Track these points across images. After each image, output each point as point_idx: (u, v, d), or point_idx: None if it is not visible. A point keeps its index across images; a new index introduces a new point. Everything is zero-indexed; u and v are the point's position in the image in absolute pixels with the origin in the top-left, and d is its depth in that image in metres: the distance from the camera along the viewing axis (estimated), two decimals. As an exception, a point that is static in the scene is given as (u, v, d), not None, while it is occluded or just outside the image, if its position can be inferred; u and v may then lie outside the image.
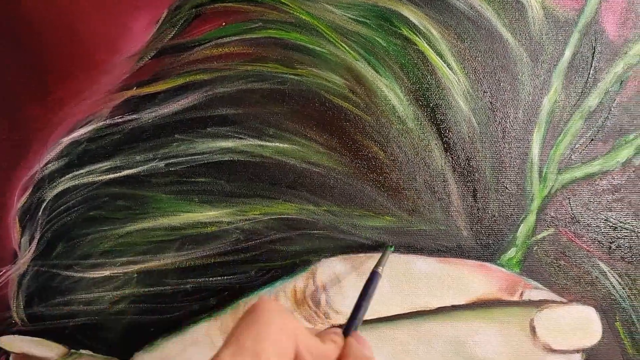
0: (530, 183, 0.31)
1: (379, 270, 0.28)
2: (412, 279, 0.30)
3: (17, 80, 0.33)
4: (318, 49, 0.32)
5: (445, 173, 0.31)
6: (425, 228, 0.31)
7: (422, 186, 0.31)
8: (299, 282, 0.31)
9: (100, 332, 0.32)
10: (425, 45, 0.32)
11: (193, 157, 0.32)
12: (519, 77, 0.32)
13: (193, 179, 0.32)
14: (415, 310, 0.30)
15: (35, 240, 0.33)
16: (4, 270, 0.33)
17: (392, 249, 0.31)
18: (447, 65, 0.31)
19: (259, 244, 0.32)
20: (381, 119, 0.31)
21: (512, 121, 0.31)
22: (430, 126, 0.31)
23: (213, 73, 0.32)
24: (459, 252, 0.31)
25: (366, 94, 0.32)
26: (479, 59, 0.32)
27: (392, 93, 0.31)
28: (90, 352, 0.33)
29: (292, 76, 0.32)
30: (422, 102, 0.31)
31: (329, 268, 0.31)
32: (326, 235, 0.31)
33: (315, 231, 0.32)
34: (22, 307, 0.33)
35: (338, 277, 0.30)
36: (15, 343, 0.33)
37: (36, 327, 0.33)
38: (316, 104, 0.32)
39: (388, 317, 0.30)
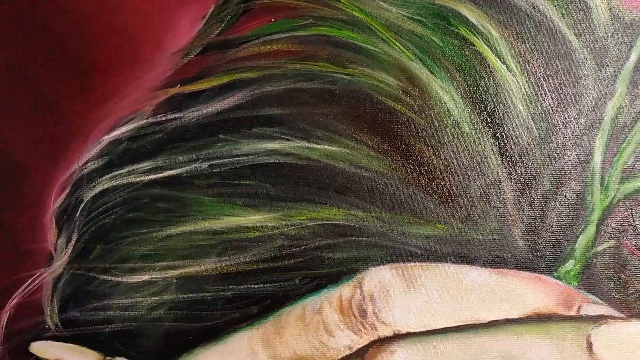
0: (590, 192, 0.31)
1: None
2: (464, 291, 0.30)
3: (58, 75, 0.34)
4: (371, 47, 0.32)
5: (501, 180, 0.32)
6: (479, 237, 0.32)
7: (476, 193, 0.32)
8: (345, 291, 0.30)
9: (136, 339, 0.33)
10: (484, 45, 0.32)
11: (237, 158, 0.32)
12: (582, 80, 0.32)
13: (237, 182, 0.32)
14: (466, 323, 0.30)
15: (72, 242, 0.33)
16: (38, 273, 0.34)
17: None
18: (506, 67, 0.32)
19: (304, 251, 0.32)
20: (435, 122, 0.32)
21: (574, 127, 0.31)
22: (487, 131, 0.32)
23: (260, 71, 0.33)
24: (513, 263, 0.31)
25: (420, 96, 0.32)
26: (540, 61, 0.32)
27: (448, 95, 0.32)
28: None
29: (342, 76, 0.32)
30: (478, 106, 0.32)
31: (376, 277, 0.31)
32: (375, 243, 0.32)
33: (363, 238, 0.32)
34: (56, 311, 0.34)
35: (386, 287, 0.31)
36: (48, 349, 0.33)
37: (70, 333, 0.33)
38: (367, 106, 0.32)
39: (437, 329, 0.29)
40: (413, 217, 0.32)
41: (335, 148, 0.32)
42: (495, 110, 0.31)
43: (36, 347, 0.33)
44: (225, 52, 0.33)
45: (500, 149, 0.32)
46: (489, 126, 0.31)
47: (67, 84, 0.33)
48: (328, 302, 0.30)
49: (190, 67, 0.33)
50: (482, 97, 0.32)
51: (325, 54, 0.32)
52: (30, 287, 0.34)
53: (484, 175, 0.31)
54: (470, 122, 0.32)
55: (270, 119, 0.32)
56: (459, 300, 0.30)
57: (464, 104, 0.32)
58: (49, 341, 0.33)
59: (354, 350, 0.29)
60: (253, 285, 0.32)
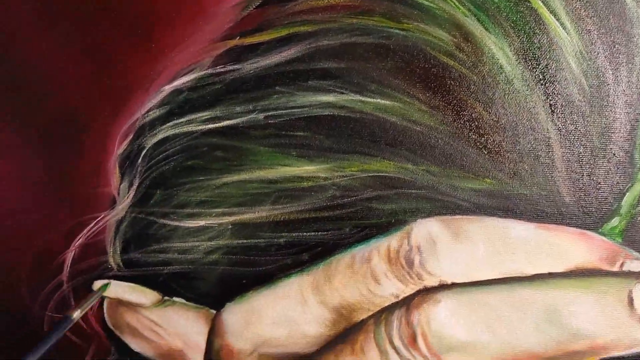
0: (639, 151, 0.33)
1: (74, 315, 0.30)
2: (509, 244, 0.31)
3: (121, 27, 0.36)
4: (426, 3, 0.34)
5: (550, 137, 0.33)
6: (526, 192, 0.34)
7: (525, 149, 0.33)
8: (393, 241, 0.32)
9: (193, 281, 0.36)
10: (539, 2, 0.33)
11: (292, 110, 0.35)
12: (635, 39, 0.33)
13: (291, 133, 0.35)
14: (510, 276, 0.31)
15: (134, 187, 0.36)
16: (102, 216, 0.37)
17: (105, 289, 0.33)
18: (560, 24, 0.33)
19: (355, 201, 0.34)
20: (487, 78, 0.34)
21: (625, 85, 0.33)
22: (538, 87, 0.33)
23: (317, 25, 0.35)
24: (559, 218, 0.33)
25: (473, 52, 0.34)
26: (594, 18, 0.33)
27: (501, 52, 0.34)
28: (183, 301, 0.35)
29: (397, 31, 0.34)
30: (531, 62, 0.33)
31: (424, 229, 0.32)
32: (424, 196, 0.34)
33: (412, 191, 0.34)
34: (118, 252, 0.37)
35: (433, 239, 0.32)
36: (109, 287, 0.36)
37: (131, 273, 0.36)
38: (421, 61, 0.34)
39: (481, 281, 0.31)
40: (462, 171, 0.34)
41: (388, 102, 0.34)
42: (547, 67, 0.33)
43: (99, 286, 0.36)
44: (284, 6, 0.35)
45: (550, 105, 0.33)
46: (540, 83, 0.33)
47: (130, 36, 0.36)
48: (377, 251, 0.32)
49: (249, 19, 0.35)
50: (535, 54, 0.33)
51: (381, 9, 0.34)
52: (94, 228, 0.37)
53: (534, 131, 0.33)
54: (522, 78, 0.33)
55: (326, 72, 0.34)
56: (504, 253, 0.31)
57: (516, 60, 0.33)
58: (111, 280, 0.36)
59: (399, 298, 0.31)
60: (305, 233, 0.35)
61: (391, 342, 0.30)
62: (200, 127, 0.35)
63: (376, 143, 0.34)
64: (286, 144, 0.35)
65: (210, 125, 0.35)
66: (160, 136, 0.36)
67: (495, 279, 0.31)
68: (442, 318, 0.29)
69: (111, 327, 0.36)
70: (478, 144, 0.33)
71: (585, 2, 0.33)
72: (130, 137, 0.36)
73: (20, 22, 0.37)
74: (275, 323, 0.33)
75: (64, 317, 0.31)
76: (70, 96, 0.38)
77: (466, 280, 0.31)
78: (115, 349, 0.37)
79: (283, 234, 0.35)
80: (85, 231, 0.37)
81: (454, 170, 0.34)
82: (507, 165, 0.33)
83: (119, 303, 0.36)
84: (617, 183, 0.33)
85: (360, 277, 0.32)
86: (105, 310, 0.36)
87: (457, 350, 0.29)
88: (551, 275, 0.31)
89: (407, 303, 0.30)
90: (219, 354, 0.34)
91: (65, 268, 0.37)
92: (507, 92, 0.33)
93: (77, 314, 0.33)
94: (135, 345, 0.36)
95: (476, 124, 0.34)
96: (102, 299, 0.37)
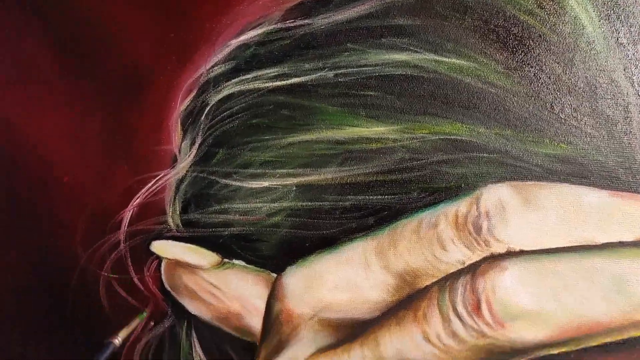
0: None
1: (116, 340, 0.34)
2: (581, 212, 0.34)
3: (189, -22, 0.41)
4: None
5: (629, 102, 0.35)
6: (601, 159, 0.36)
7: (602, 114, 0.36)
8: (461, 206, 0.35)
9: (254, 243, 0.38)
10: None
11: (364, 68, 0.37)
12: None
13: (362, 92, 0.37)
14: (579, 244, 0.34)
15: (196, 145, 0.39)
16: (162, 174, 0.43)
17: (143, 317, 0.37)
18: (648, -16, 0.34)
19: (424, 165, 0.37)
20: (568, 38, 0.36)
21: None
22: (620, 50, 0.35)
23: None
24: (634, 186, 0.35)
25: (555, 11, 0.36)
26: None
27: (584, 12, 0.36)
28: (243, 263, 0.39)
29: None
30: (614, 24, 0.35)
31: (494, 194, 0.35)
32: (495, 160, 0.37)
33: (484, 155, 0.37)
34: (178, 212, 0.40)
35: (503, 205, 0.34)
36: (168, 248, 0.39)
37: (190, 234, 0.39)
38: (500, 19, 0.36)
39: (550, 249, 0.34)
40: (536, 136, 0.36)
41: (463, 62, 0.37)
42: (631, 30, 0.36)
43: (157, 246, 0.40)
44: (358, -40, 0.37)
45: (632, 70, 0.36)
46: (622, 46, 0.36)
47: (198, -12, 0.41)
48: (444, 216, 0.35)
49: (321, -27, 0.37)
50: (618, 15, 0.36)
51: (459, -35, 0.35)
52: (153, 187, 0.42)
53: (613, 96, 0.36)
54: (604, 40, 0.36)
55: (400, 30, 0.37)
56: (576, 221, 0.34)
57: (599, 21, 0.36)
58: (169, 241, 0.40)
59: (465, 265, 0.34)
60: (371, 197, 0.38)
61: (455, 309, 0.33)
62: (266, 84, 0.39)
63: (449, 105, 0.38)
64: (355, 104, 0.38)
65: (278, 83, 0.39)
66: (225, 93, 0.39)
67: (564, 247, 0.34)
68: (507, 286, 0.32)
69: (168, 289, 0.41)
70: (554, 107, 0.36)
71: (676, -40, 0.36)
72: (194, 93, 0.40)
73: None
74: (338, 288, 0.37)
75: (106, 343, 0.36)
76: (133, 50, 0.42)
77: (534, 248, 0.34)
78: (172, 311, 0.42)
79: (349, 196, 0.38)
80: (144, 190, 0.41)
81: (528, 134, 0.37)
82: (583, 130, 0.36)
83: (177, 264, 0.40)
84: (700, 153, 0.35)
85: (426, 242, 0.35)
86: (163, 272, 0.41)
87: (522, 319, 0.32)
88: (621, 244, 0.34)
89: (472, 270, 0.33)
90: (279, 318, 0.37)
91: (123, 227, 0.41)
92: (587, 53, 0.36)
93: (118, 341, 0.38)
94: (192, 307, 0.40)
95: (554, 86, 0.37)
96: (160, 259, 0.42)
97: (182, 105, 0.41)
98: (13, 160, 0.42)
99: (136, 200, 0.41)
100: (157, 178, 0.41)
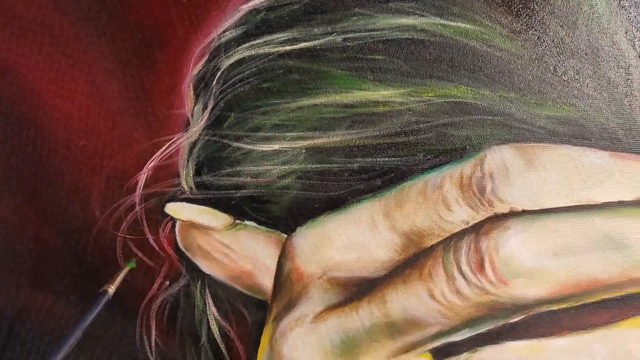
0: None
1: (110, 289, 0.34)
2: (582, 172, 0.35)
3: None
4: None
5: (630, 64, 0.36)
6: (602, 120, 0.37)
7: (603, 77, 0.36)
8: (466, 168, 0.36)
9: (265, 205, 0.40)
10: None
11: (371, 32, 0.38)
12: None
13: (369, 56, 0.38)
14: (580, 204, 0.35)
15: (208, 109, 0.40)
16: (175, 138, 0.44)
17: (133, 264, 0.38)
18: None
19: (430, 127, 0.38)
20: (571, 2, 0.36)
21: None
22: (622, 13, 0.36)
23: None
24: (634, 147, 0.36)
25: None
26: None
27: None
28: (255, 224, 0.40)
29: None
30: None
31: (498, 155, 0.36)
32: (499, 122, 0.38)
33: (488, 117, 0.38)
34: (191, 175, 0.41)
35: (506, 166, 0.36)
36: (182, 210, 0.41)
37: (203, 196, 0.40)
38: None
39: (551, 209, 0.35)
40: (539, 98, 0.37)
41: (469, 26, 0.38)
42: None
43: (171, 208, 0.41)
44: None
45: (633, 32, 0.37)
46: (624, 8, 0.36)
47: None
48: (449, 177, 0.36)
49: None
50: None
51: None
52: (167, 151, 0.43)
53: (614, 58, 0.36)
54: (607, 3, 0.36)
55: None
56: (577, 181, 0.35)
57: None
58: (183, 203, 0.41)
59: (469, 225, 0.35)
60: (378, 159, 0.39)
61: (459, 268, 0.34)
62: (276, 49, 0.40)
63: (454, 68, 0.39)
64: (363, 68, 0.39)
65: (287, 47, 0.40)
66: (236, 57, 0.40)
67: (565, 207, 0.35)
68: (510, 244, 0.34)
69: (182, 249, 0.42)
70: (557, 69, 0.37)
71: None
72: (206, 57, 0.41)
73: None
74: (346, 247, 0.38)
75: (101, 292, 0.37)
76: (146, 14, 0.44)
77: (536, 208, 0.35)
78: (186, 271, 0.43)
79: (357, 159, 0.39)
80: (158, 153, 0.42)
81: (532, 96, 0.38)
82: (585, 92, 0.37)
83: (191, 226, 0.41)
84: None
85: (432, 203, 0.36)
86: (177, 233, 0.42)
87: (524, 276, 0.33)
88: (621, 204, 0.35)
89: (476, 230, 0.35)
90: (289, 277, 0.39)
91: (138, 190, 0.43)
92: (590, 16, 0.37)
93: (112, 290, 0.39)
94: (205, 267, 0.42)
95: (557, 49, 0.37)
96: (175, 221, 0.44)
97: (194, 69, 0.42)
98: (31, 124, 0.43)
99: (151, 164, 0.42)
100: (170, 142, 0.42)
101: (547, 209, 0.35)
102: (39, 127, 0.41)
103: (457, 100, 0.39)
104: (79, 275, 0.41)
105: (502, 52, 0.38)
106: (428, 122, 0.39)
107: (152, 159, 0.42)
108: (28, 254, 0.40)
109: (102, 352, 0.42)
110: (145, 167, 0.42)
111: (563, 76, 0.38)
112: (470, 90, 0.39)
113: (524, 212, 0.35)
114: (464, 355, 0.36)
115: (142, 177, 0.42)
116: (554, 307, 0.34)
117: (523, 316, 0.34)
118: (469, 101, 0.39)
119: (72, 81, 0.41)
